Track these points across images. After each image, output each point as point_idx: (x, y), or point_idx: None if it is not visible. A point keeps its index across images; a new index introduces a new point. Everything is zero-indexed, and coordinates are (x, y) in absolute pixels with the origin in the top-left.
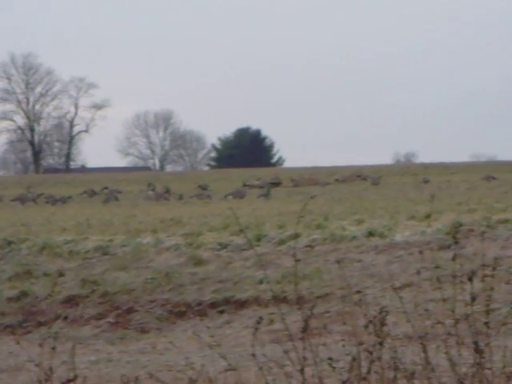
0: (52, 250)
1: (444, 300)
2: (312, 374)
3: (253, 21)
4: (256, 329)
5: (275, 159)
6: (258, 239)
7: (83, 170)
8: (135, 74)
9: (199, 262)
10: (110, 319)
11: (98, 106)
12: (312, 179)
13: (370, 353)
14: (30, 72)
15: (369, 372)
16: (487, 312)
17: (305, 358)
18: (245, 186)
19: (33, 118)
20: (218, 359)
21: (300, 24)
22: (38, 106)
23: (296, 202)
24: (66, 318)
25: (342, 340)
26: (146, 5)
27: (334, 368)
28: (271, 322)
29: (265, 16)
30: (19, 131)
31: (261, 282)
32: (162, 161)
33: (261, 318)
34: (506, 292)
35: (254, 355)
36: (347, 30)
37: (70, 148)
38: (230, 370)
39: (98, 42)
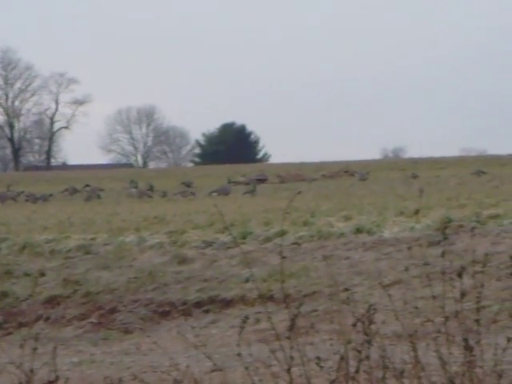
0: (33, 250)
1: (433, 297)
2: (299, 374)
3: (236, 16)
4: (242, 328)
5: (261, 155)
6: (244, 237)
7: (64, 167)
8: (117, 68)
9: (183, 261)
10: (93, 319)
11: (79, 102)
12: (299, 175)
13: (359, 352)
14: (8, 67)
15: (357, 371)
16: (478, 309)
17: (292, 358)
18: (230, 182)
19: (12, 115)
20: (204, 359)
21: (285, 18)
22: (17, 102)
23: (282, 198)
24: (47, 318)
25: (330, 339)
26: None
27: (322, 367)
28: (257, 321)
29: (248, 11)
30: None
31: (247, 281)
32: (145, 157)
33: (247, 318)
34: (496, 289)
35: (239, 355)
36: (334, 24)
37: (50, 145)
38: (215, 370)
39: (78, 37)
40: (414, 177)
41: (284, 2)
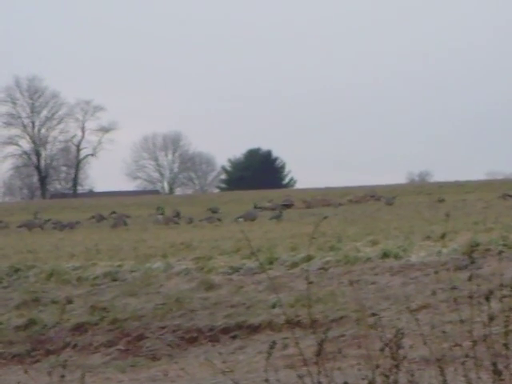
0: (60, 277)
1: (461, 321)
2: None
3: (261, 42)
4: (269, 354)
5: (287, 180)
6: (271, 262)
7: (91, 194)
8: (143, 95)
9: (210, 287)
10: (120, 346)
11: (105, 129)
12: (325, 200)
13: (387, 377)
14: (35, 95)
15: None
16: (506, 333)
17: (320, 383)
18: (256, 208)
19: (39, 143)
20: None
21: (305, 46)
22: (43, 130)
23: (309, 223)
24: (75, 345)
25: (358, 364)
26: (153, 27)
27: None
28: (285, 346)
29: (272, 39)
30: (25, 156)
31: (274, 306)
32: (171, 184)
33: (274, 343)
34: None
35: (267, 381)
36: (355, 48)
37: (77, 172)
38: None
39: (104, 64)
40: (440, 201)
41: (307, 32)
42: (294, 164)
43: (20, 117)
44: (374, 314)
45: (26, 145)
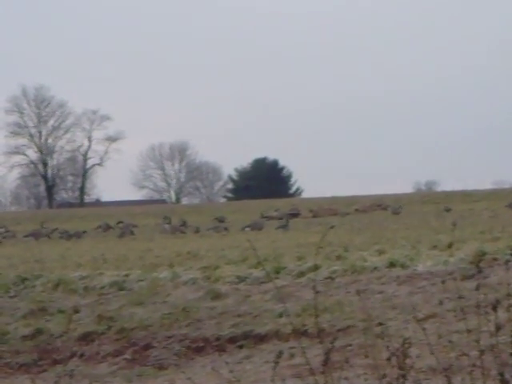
0: (67, 287)
1: (468, 331)
2: None
3: (266, 49)
4: (276, 363)
5: (293, 190)
6: (277, 272)
7: (98, 203)
8: (149, 105)
9: (217, 296)
10: (127, 356)
11: (111, 139)
12: (331, 209)
13: None
14: (42, 105)
15: None
16: None
17: None
18: (263, 217)
19: (45, 152)
20: None
21: (313, 56)
22: (50, 140)
23: (315, 232)
24: (81, 355)
25: (365, 373)
26: (157, 35)
27: None
28: (292, 356)
29: (280, 46)
30: (32, 165)
31: (280, 316)
32: (178, 193)
33: (281, 353)
34: None
35: None
36: (361, 63)
37: (83, 182)
38: None
39: (110, 74)
40: (447, 210)
41: (316, 43)
42: (300, 173)
43: (27, 126)
44: (380, 324)
45: (32, 154)
